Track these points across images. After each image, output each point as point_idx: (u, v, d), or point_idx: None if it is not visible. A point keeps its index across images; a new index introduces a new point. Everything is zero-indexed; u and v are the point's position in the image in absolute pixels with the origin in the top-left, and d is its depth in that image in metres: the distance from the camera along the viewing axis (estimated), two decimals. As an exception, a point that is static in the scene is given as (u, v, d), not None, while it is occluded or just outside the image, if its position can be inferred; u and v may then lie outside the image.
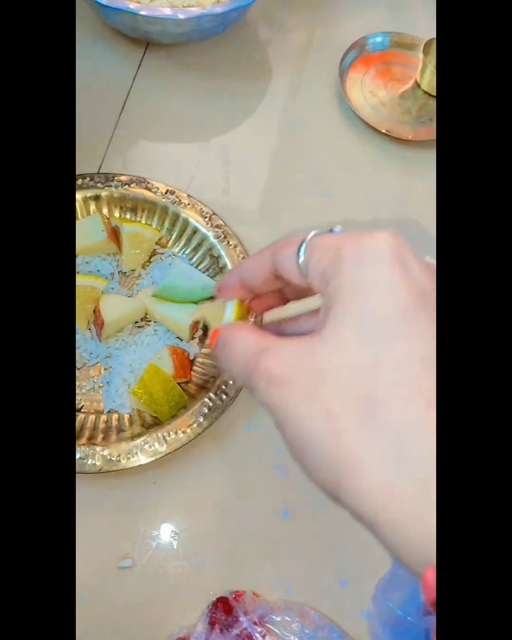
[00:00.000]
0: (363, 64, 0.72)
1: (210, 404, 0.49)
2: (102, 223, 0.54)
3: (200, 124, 0.67)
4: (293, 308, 0.33)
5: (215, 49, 0.72)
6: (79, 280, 0.52)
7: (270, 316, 0.35)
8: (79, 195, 0.56)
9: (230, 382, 0.50)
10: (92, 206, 0.57)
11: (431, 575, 0.19)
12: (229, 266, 0.55)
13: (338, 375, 0.22)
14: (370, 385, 0.21)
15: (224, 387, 0.50)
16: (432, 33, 0.70)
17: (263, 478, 0.50)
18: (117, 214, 0.58)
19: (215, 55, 0.71)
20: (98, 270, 0.56)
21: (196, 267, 0.56)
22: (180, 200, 0.57)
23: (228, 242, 0.56)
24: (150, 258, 0.57)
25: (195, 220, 0.57)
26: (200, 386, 0.51)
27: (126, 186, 0.57)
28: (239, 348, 0.25)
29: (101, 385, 0.52)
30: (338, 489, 0.22)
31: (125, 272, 0.56)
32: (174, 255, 0.57)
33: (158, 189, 0.57)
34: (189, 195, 0.58)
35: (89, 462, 0.46)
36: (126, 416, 0.50)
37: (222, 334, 0.27)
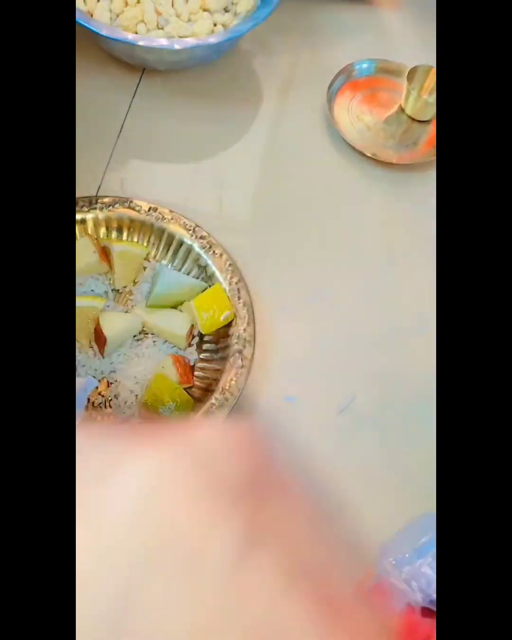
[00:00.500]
0: (350, 90, 0.76)
1: (217, 403, 0.52)
2: (92, 245, 0.57)
3: (195, 148, 0.70)
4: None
5: (209, 75, 0.75)
6: (79, 301, 0.55)
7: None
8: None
9: (232, 382, 0.53)
10: (79, 229, 0.59)
11: None
12: (217, 274, 0.58)
13: None
14: None
15: (227, 386, 0.53)
16: (416, 60, 0.74)
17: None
18: (103, 234, 0.60)
19: (209, 81, 0.74)
20: (92, 290, 0.58)
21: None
22: (163, 216, 0.60)
23: (213, 252, 0.59)
24: (140, 273, 0.60)
25: (179, 233, 0.59)
26: (204, 389, 0.54)
27: (110, 207, 0.60)
28: None
29: (109, 399, 0.54)
30: None
31: (119, 290, 0.59)
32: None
33: (141, 207, 0.60)
34: (171, 211, 0.60)
35: None
36: None
37: None
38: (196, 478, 0.21)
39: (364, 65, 0.76)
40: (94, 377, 0.55)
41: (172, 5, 0.68)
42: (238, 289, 0.57)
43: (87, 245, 0.57)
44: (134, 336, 0.57)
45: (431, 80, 0.73)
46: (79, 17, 0.62)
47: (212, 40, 0.64)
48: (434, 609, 0.41)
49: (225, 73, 0.75)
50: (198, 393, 0.54)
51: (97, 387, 0.54)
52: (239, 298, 0.57)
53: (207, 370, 0.56)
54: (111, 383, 0.55)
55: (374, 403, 0.57)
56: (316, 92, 0.75)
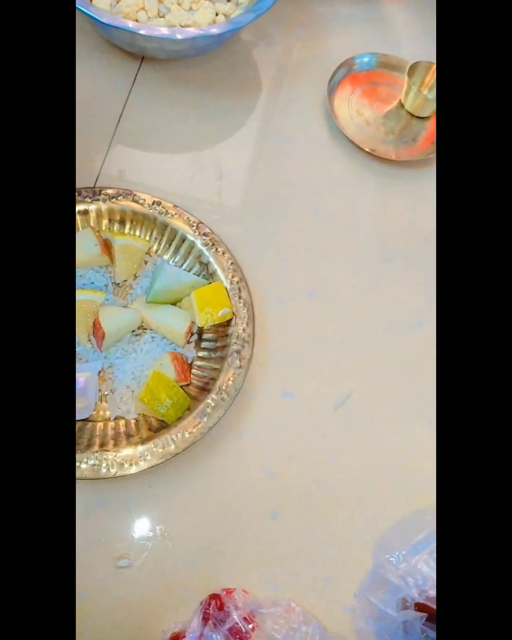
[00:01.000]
0: (351, 83, 0.75)
1: (213, 404, 0.52)
2: (94, 237, 0.56)
3: (194, 138, 0.69)
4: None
5: (209, 65, 0.74)
6: (78, 294, 0.54)
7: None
8: (70, 210, 0.58)
9: (230, 382, 0.53)
10: (81, 220, 0.59)
11: None
12: (219, 272, 0.58)
13: None
14: None
15: (224, 387, 0.53)
16: (417, 56, 0.73)
17: (253, 482, 0.53)
18: (105, 227, 0.60)
19: (209, 71, 0.74)
20: (92, 283, 0.58)
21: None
22: (167, 211, 0.59)
23: (216, 249, 0.59)
24: (141, 267, 0.59)
25: (182, 229, 0.59)
26: (201, 388, 0.55)
27: (113, 199, 0.59)
28: None
29: (106, 394, 0.54)
30: None
31: (119, 283, 0.59)
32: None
33: (145, 200, 0.60)
34: (175, 205, 0.60)
35: (104, 468, 0.49)
36: (133, 422, 0.53)
37: None
38: None
39: (365, 59, 0.76)
40: (90, 371, 0.54)
41: (174, -7, 0.67)
42: (239, 288, 0.57)
43: (89, 237, 0.56)
44: (133, 331, 0.57)
45: (431, 76, 0.73)
46: (79, 3, 0.61)
47: (214, 30, 0.63)
48: (429, 604, 0.42)
49: (226, 63, 0.75)
50: (195, 391, 0.55)
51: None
52: (239, 297, 0.57)
53: (205, 368, 0.56)
54: (109, 378, 0.55)
55: (371, 399, 0.58)
56: (315, 84, 0.74)
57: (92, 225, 0.59)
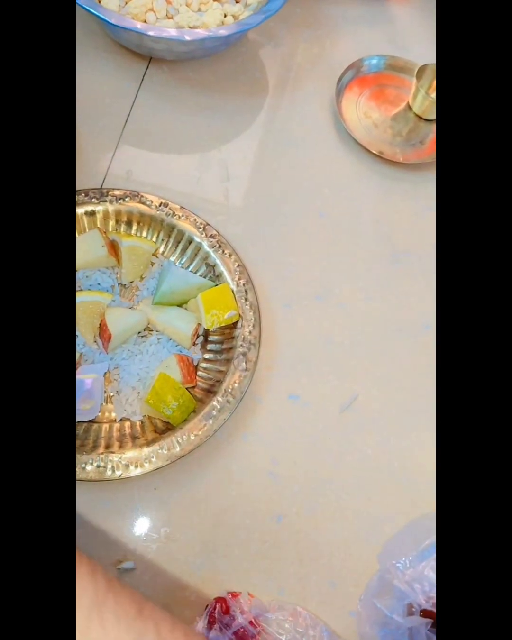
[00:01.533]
0: (359, 85, 0.75)
1: (219, 406, 0.52)
2: (101, 238, 0.56)
3: (201, 139, 0.69)
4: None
5: (217, 66, 0.74)
6: (84, 296, 0.54)
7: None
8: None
9: (236, 385, 0.53)
10: (88, 221, 0.59)
11: None
12: (225, 274, 0.58)
13: None
14: None
15: (230, 389, 0.53)
16: (425, 58, 0.73)
17: (258, 485, 0.53)
18: (112, 228, 0.60)
19: (217, 72, 0.73)
20: (99, 284, 0.58)
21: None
22: (174, 212, 0.59)
23: (223, 251, 0.58)
24: (147, 269, 0.59)
25: (189, 230, 0.59)
26: (207, 390, 0.54)
27: (121, 201, 0.59)
28: None
29: (111, 395, 0.54)
30: None
31: (125, 285, 0.59)
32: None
33: (152, 202, 0.60)
34: (182, 207, 0.60)
35: (109, 470, 0.49)
36: (138, 423, 0.53)
37: None
38: None
39: (374, 61, 0.76)
40: (96, 373, 0.54)
41: (182, -6, 0.67)
42: (246, 291, 0.57)
43: (96, 238, 0.56)
44: (139, 333, 0.56)
45: (440, 78, 0.73)
46: (87, 4, 0.61)
47: (223, 32, 0.63)
48: (435, 610, 0.42)
49: (233, 64, 0.75)
50: (201, 394, 0.54)
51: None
52: (246, 300, 0.56)
53: (211, 371, 0.56)
54: (114, 379, 0.55)
55: (377, 402, 0.58)
56: (323, 86, 0.74)
57: (99, 226, 0.59)
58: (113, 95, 0.70)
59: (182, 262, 0.60)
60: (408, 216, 0.68)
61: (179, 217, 0.59)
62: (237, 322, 0.56)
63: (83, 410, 0.52)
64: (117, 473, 0.49)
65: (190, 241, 0.59)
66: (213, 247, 0.58)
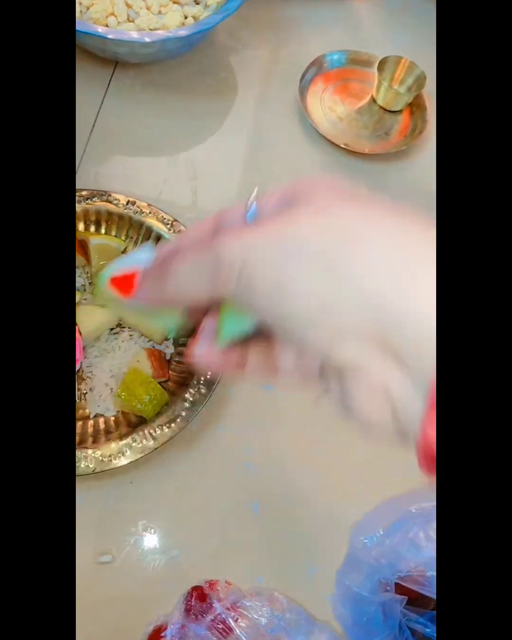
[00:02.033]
0: (322, 81, 0.76)
1: (191, 399, 0.52)
2: None
3: (169, 140, 0.70)
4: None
5: (182, 68, 0.75)
6: None
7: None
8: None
9: (208, 376, 0.53)
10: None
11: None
12: None
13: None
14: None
15: (201, 381, 0.53)
16: (386, 51, 0.74)
17: (234, 475, 0.53)
18: (82, 228, 0.60)
19: (182, 74, 0.75)
20: (71, 283, 0.58)
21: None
22: (141, 210, 0.60)
23: None
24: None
25: (157, 227, 0.60)
26: (179, 383, 0.55)
27: (88, 200, 0.60)
28: (201, 260, 0.24)
29: (84, 392, 0.55)
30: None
31: (95, 283, 0.59)
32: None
33: (119, 200, 0.60)
34: (149, 204, 0.60)
35: (82, 464, 0.49)
36: (112, 419, 0.54)
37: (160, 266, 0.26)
38: None
39: (335, 57, 0.77)
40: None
41: (142, -2, 0.68)
42: None
43: None
44: (111, 329, 0.57)
45: (401, 70, 0.74)
46: (48, 11, 0.62)
47: (183, 32, 0.64)
48: (409, 586, 0.42)
49: (198, 66, 0.76)
50: (173, 387, 0.55)
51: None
52: None
53: (183, 364, 0.56)
54: (87, 377, 0.55)
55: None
56: (288, 84, 0.75)
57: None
58: (79, 100, 0.70)
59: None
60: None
61: (147, 214, 0.60)
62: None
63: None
64: (91, 467, 0.49)
65: (158, 237, 0.60)
66: None
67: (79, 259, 0.58)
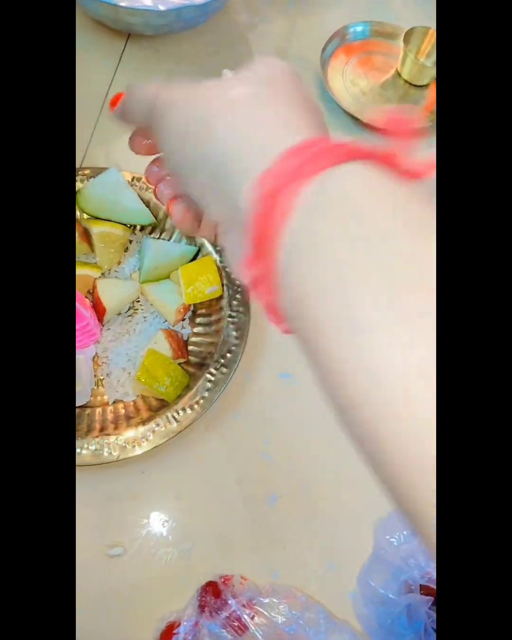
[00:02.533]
0: (344, 53, 0.73)
1: (213, 378, 0.50)
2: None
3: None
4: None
5: (197, 39, 0.71)
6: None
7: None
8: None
9: (228, 355, 0.51)
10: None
11: None
12: (206, 244, 0.56)
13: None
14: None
15: (222, 360, 0.51)
16: (412, 22, 0.70)
17: (250, 465, 0.51)
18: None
19: (198, 47, 0.71)
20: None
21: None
22: (148, 186, 0.57)
23: None
24: (122, 255, 0.57)
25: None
26: (199, 364, 0.52)
27: (92, 179, 0.57)
28: (142, 91, 0.30)
29: (101, 378, 0.52)
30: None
31: (104, 273, 0.56)
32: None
33: (124, 177, 0.57)
34: None
35: (106, 452, 0.47)
36: (131, 404, 0.51)
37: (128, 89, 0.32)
38: None
39: (359, 28, 0.73)
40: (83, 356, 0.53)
41: (157, -36, 0.64)
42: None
43: None
44: (125, 311, 0.55)
45: (429, 42, 0.70)
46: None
47: (199, 0, 0.61)
48: (432, 586, 0.40)
49: (215, 38, 0.72)
50: (193, 369, 0.52)
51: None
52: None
53: (202, 344, 0.54)
54: (103, 362, 0.53)
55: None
56: (308, 56, 0.72)
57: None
58: (90, 74, 0.68)
59: (162, 236, 0.58)
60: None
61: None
62: (222, 294, 0.54)
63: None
64: (115, 454, 0.47)
65: (167, 215, 0.57)
66: None
67: (83, 247, 0.55)
